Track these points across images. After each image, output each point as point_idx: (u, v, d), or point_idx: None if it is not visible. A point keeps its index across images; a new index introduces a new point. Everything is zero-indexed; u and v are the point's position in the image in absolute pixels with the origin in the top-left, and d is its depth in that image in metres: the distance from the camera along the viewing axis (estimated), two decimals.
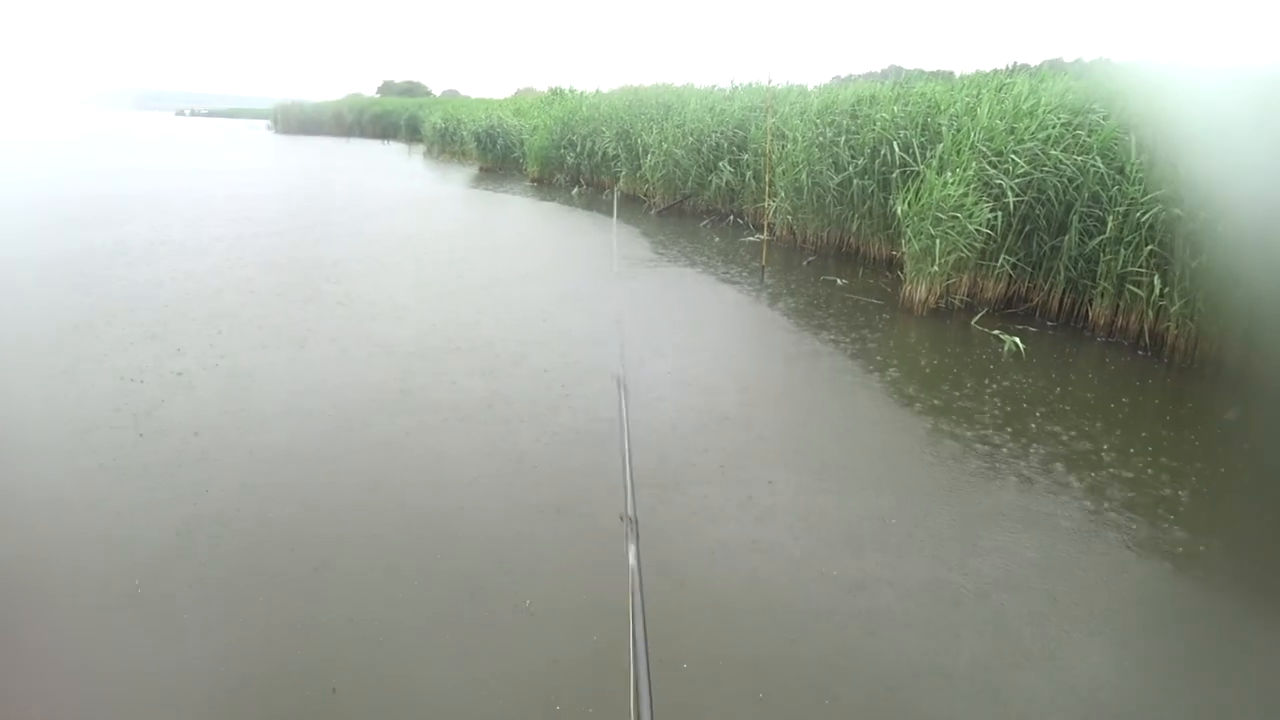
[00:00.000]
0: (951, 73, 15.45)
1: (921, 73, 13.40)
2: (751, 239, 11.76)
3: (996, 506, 4.10)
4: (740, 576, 3.43)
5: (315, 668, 2.82)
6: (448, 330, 6.81)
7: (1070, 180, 7.66)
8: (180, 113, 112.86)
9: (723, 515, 3.92)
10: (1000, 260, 8.00)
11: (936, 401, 5.55)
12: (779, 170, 11.34)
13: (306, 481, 4.13)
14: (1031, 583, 3.44)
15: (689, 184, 14.52)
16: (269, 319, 6.93)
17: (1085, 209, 7.53)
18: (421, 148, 32.53)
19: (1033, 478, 4.43)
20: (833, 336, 7.09)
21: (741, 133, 13.64)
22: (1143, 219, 6.90)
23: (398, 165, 26.65)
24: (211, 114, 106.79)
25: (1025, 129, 8.12)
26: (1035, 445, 4.88)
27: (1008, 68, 13.09)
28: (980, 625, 3.16)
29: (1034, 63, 15.59)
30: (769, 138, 11.04)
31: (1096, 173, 7.43)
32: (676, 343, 6.77)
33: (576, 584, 3.33)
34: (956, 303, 8.13)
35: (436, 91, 62.98)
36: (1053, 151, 7.80)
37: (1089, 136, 7.72)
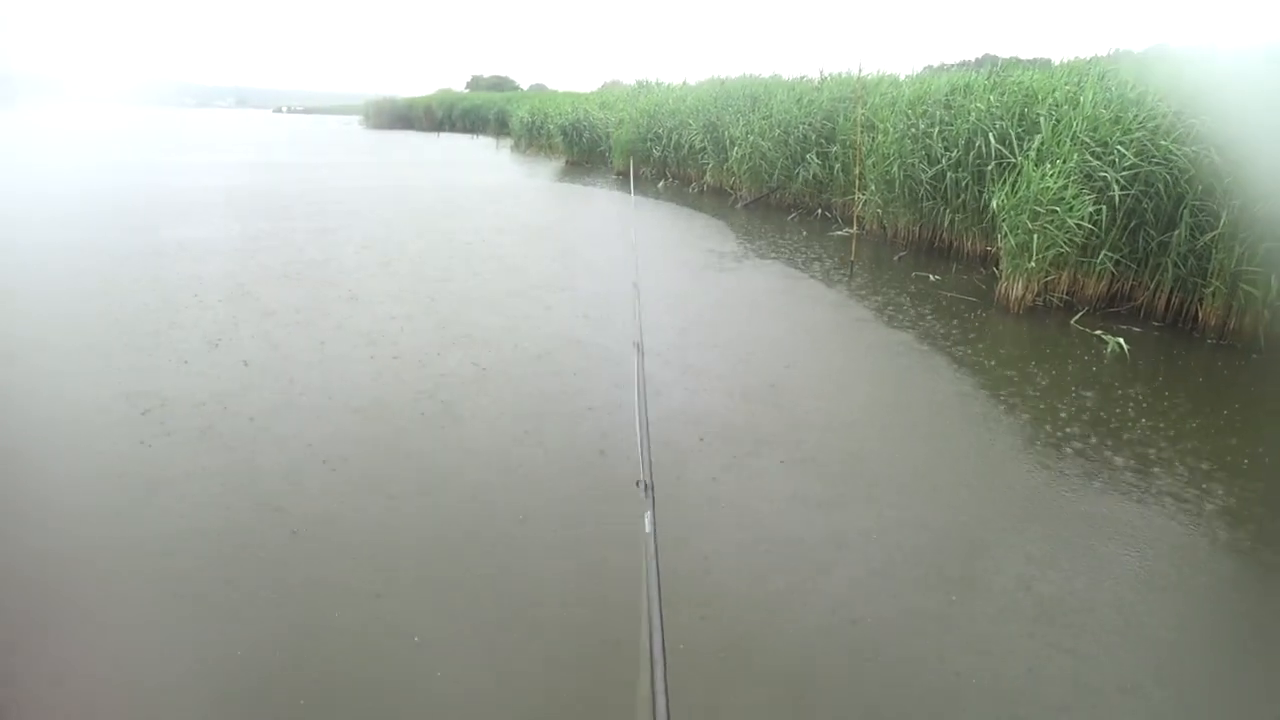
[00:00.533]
0: (1049, 60, 14.86)
1: (1017, 61, 12.96)
2: (840, 233, 11.59)
3: (1096, 518, 3.99)
4: (822, 584, 3.40)
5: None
6: (532, 320, 6.90)
7: (1181, 172, 7.30)
8: (278, 110, 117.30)
9: (814, 520, 3.89)
10: (1101, 257, 7.69)
11: (1037, 405, 5.41)
12: (869, 163, 11.13)
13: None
14: (1130, 601, 3.32)
15: (775, 176, 14.39)
16: (358, 317, 7.13)
17: (1197, 202, 7.17)
18: (509, 141, 33.05)
19: (1136, 489, 4.30)
20: (926, 335, 6.96)
21: (830, 124, 13.43)
22: (1261, 213, 6.54)
23: (486, 159, 27.18)
24: (307, 110, 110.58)
25: (1133, 118, 7.78)
26: (1141, 453, 4.71)
27: (1109, 54, 12.52)
28: (1076, 647, 3.06)
29: (1138, 48, 14.88)
30: (859, 129, 10.84)
31: (1210, 164, 7.06)
32: (764, 340, 6.76)
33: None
34: (1055, 301, 7.86)
35: (524, 85, 63.88)
36: (1162, 142, 7.45)
37: (1202, 126, 7.33)
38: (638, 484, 1.70)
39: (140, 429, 4.67)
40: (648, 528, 1.41)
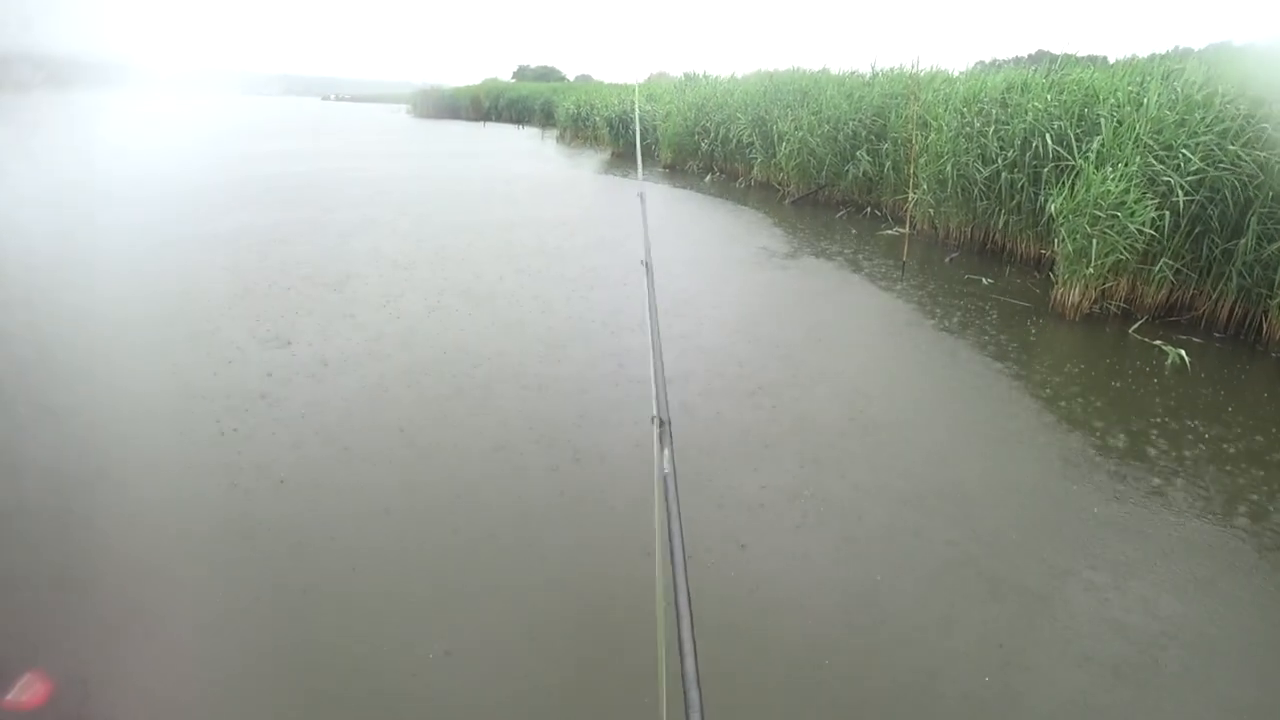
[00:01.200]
0: (1104, 57, 14.51)
1: (1071, 58, 12.66)
2: (889, 232, 11.45)
3: (1156, 544, 3.89)
4: (849, 604, 3.37)
5: None
6: (584, 313, 6.92)
7: (1250, 178, 7.09)
8: (326, 98, 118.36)
9: (846, 533, 3.86)
10: (1161, 264, 7.48)
11: (1095, 419, 5.33)
12: (921, 161, 10.96)
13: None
14: (1201, 641, 3.24)
15: (824, 173, 14.24)
16: (407, 311, 7.22)
17: (1266, 210, 6.95)
18: (555, 132, 33.10)
19: (1202, 515, 4.19)
20: (981, 342, 6.87)
21: (881, 121, 13.26)
22: None
23: (532, 149, 27.27)
24: (354, 98, 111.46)
25: (1199, 121, 7.56)
26: (1206, 477, 4.60)
27: (1168, 51, 12.21)
28: (1140, 689, 3.01)
29: (1198, 46, 14.47)
30: (913, 126, 10.67)
31: None
32: (814, 342, 6.72)
33: None
34: (1112, 308, 7.68)
35: (570, 76, 63.88)
36: (1230, 146, 7.23)
37: (1276, 130, 7.09)
38: (653, 420, 1.54)
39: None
40: (666, 467, 1.31)
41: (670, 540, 1.09)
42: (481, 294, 7.88)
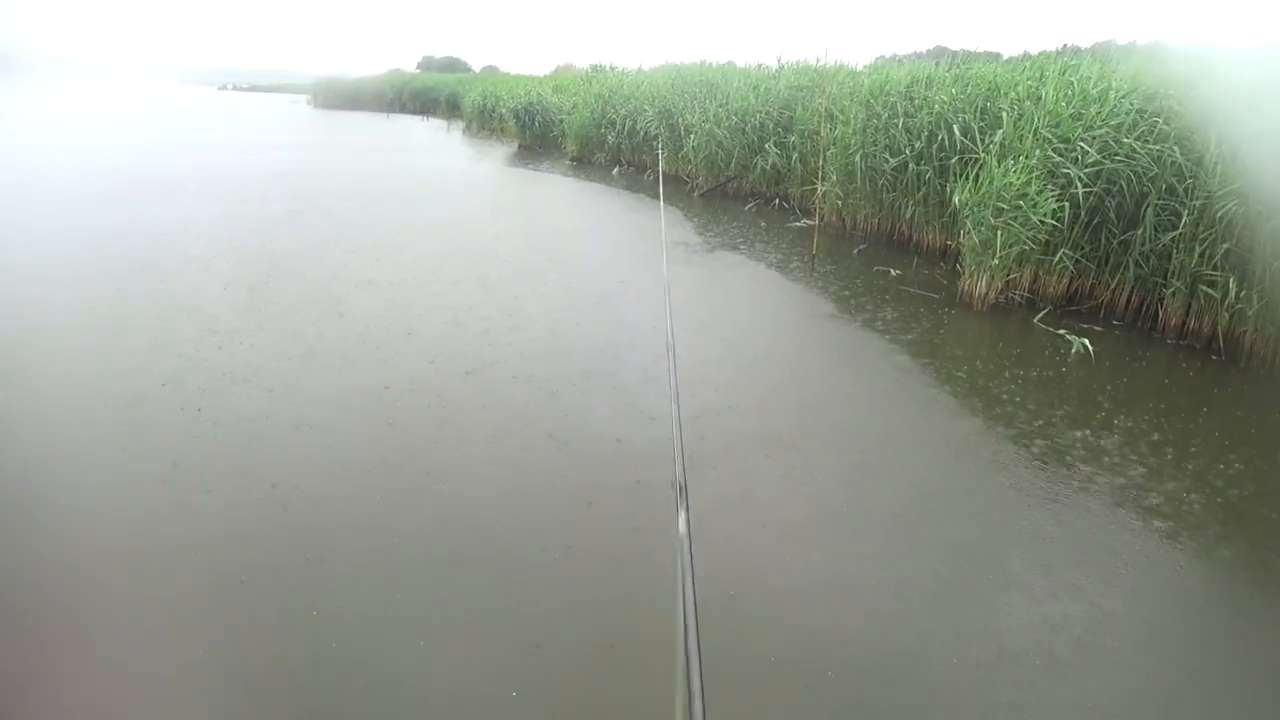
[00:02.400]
0: (999, 54, 14.96)
1: (967, 53, 12.95)
2: (798, 224, 11.44)
3: (1068, 529, 3.85)
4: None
5: None
6: (499, 319, 6.63)
7: (1145, 171, 7.25)
8: (223, 87, 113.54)
9: (777, 523, 3.71)
10: (1060, 255, 7.60)
11: (1006, 409, 5.29)
12: (829, 153, 10.96)
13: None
14: (1109, 631, 3.19)
15: (732, 166, 14.16)
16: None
17: (1160, 202, 7.12)
18: (461, 124, 32.40)
19: (1109, 495, 4.17)
20: (892, 334, 6.81)
21: (788, 113, 13.24)
22: (1220, 214, 6.51)
23: (437, 142, 26.55)
24: (252, 89, 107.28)
25: (1095, 115, 7.71)
26: (1110, 460, 4.60)
27: (1058, 49, 12.61)
28: (1044, 674, 2.92)
29: (1085, 44, 15.05)
30: (821, 119, 10.67)
31: (1174, 164, 7.01)
32: (725, 337, 6.56)
33: None
34: (1017, 298, 7.77)
35: (476, 67, 62.76)
36: (1125, 140, 7.38)
37: (1166, 124, 7.28)
38: (672, 485, 1.72)
39: None
40: (681, 528, 1.34)
41: (683, 595, 1.15)
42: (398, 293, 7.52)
